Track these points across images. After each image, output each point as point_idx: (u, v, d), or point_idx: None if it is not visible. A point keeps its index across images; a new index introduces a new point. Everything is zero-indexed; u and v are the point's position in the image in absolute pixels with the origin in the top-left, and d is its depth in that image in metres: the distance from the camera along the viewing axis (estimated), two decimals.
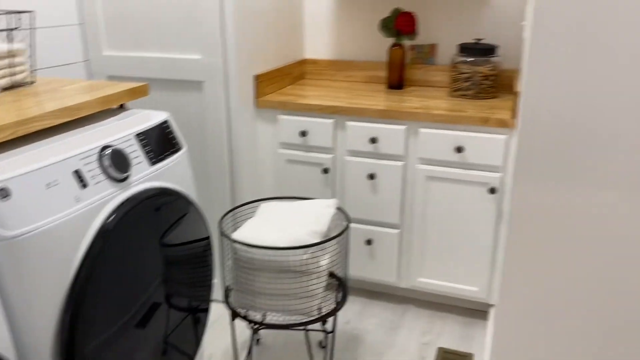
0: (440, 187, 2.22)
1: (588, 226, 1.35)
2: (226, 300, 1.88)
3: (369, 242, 2.39)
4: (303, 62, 2.85)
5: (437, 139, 2.17)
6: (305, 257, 1.72)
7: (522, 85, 1.38)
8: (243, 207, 2.18)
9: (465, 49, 2.37)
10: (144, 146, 1.51)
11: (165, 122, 1.62)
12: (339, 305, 1.88)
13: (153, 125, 1.57)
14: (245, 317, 1.83)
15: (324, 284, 1.82)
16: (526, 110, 1.34)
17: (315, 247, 1.73)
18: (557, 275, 1.41)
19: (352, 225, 2.41)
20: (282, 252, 1.70)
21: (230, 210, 2.02)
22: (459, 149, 2.14)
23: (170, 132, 1.63)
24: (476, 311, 2.45)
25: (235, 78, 2.19)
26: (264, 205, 2.00)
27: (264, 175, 2.50)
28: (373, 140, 2.25)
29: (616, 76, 1.21)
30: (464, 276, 2.30)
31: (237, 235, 1.78)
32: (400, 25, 2.46)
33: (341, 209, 2.01)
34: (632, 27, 1.17)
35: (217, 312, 2.44)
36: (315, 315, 1.80)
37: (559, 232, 1.38)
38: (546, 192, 1.37)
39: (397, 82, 2.59)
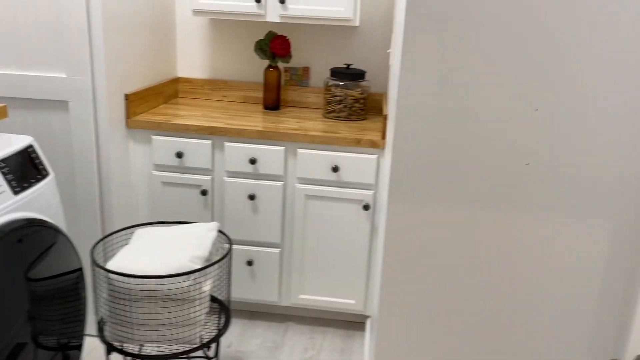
0: (319, 205, 2.29)
1: (451, 238, 1.48)
2: (100, 334, 1.76)
3: (249, 262, 2.39)
4: (176, 81, 2.79)
5: (314, 159, 2.24)
6: (187, 284, 1.67)
7: (391, 109, 1.48)
8: (116, 234, 2.07)
9: (337, 73, 2.48)
10: (5, 174, 1.38)
11: (29, 146, 1.50)
12: (222, 330, 1.86)
13: (15, 151, 1.44)
14: (121, 351, 1.74)
15: (206, 309, 1.79)
16: (397, 133, 1.45)
17: (197, 273, 1.69)
18: (430, 285, 1.53)
19: (234, 246, 2.40)
20: (163, 280, 1.65)
21: (102, 239, 1.91)
22: (335, 169, 2.23)
23: (36, 158, 1.51)
24: (354, 323, 2.55)
25: (105, 97, 2.08)
26: (139, 231, 1.92)
27: (138, 199, 2.40)
28: (252, 161, 2.26)
29: (473, 104, 1.35)
30: (342, 290, 2.39)
31: (112, 264, 1.69)
32: (275, 48, 2.52)
33: (222, 231, 1.99)
34: (489, 61, 1.32)
35: (91, 347, 2.27)
36: (197, 343, 1.76)
37: (428, 245, 1.50)
38: (416, 207, 1.48)
39: (273, 103, 2.64)
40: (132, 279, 1.64)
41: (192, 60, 2.80)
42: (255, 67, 2.77)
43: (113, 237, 2.05)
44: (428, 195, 1.46)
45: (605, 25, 1.25)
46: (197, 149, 2.28)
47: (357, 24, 2.40)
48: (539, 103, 1.31)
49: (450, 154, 1.40)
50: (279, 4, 2.34)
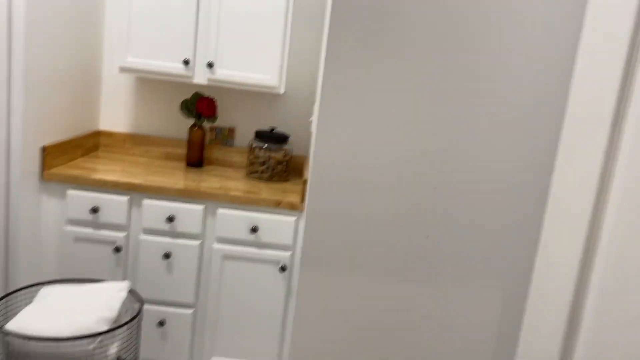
0: (235, 265, 2.30)
1: (359, 305, 1.54)
2: None
3: (161, 323, 2.33)
4: (97, 134, 2.76)
5: (234, 219, 2.27)
6: (91, 347, 1.62)
7: (309, 175, 1.56)
8: (20, 292, 1.97)
9: (261, 135, 2.56)
10: None
11: None
12: None
13: None
14: None
15: None
16: (310, 200, 1.51)
17: (103, 335, 1.64)
18: (337, 350, 1.57)
19: (145, 306, 2.33)
20: (66, 343, 1.58)
21: (4, 297, 1.81)
22: (254, 229, 2.26)
23: None
24: None
25: (19, 149, 2.03)
26: (45, 290, 1.84)
27: (47, 255, 2.30)
28: (170, 219, 2.25)
29: (379, 179, 1.45)
30: (256, 352, 2.37)
31: (11, 325, 1.61)
32: (201, 108, 2.57)
33: (133, 291, 1.94)
34: (393, 142, 1.43)
35: None
36: None
37: (336, 310, 1.55)
38: (326, 273, 1.53)
39: (196, 160, 2.66)
40: (31, 341, 1.56)
41: (115, 114, 2.79)
42: (179, 124, 2.80)
43: (16, 295, 1.95)
44: (338, 261, 1.53)
45: (496, 118, 1.40)
46: (114, 205, 2.25)
47: (282, 91, 2.50)
48: (437, 182, 1.42)
49: (358, 224, 1.48)
50: (206, 68, 2.41)
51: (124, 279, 2.32)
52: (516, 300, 1.49)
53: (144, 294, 2.31)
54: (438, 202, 1.43)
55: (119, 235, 2.27)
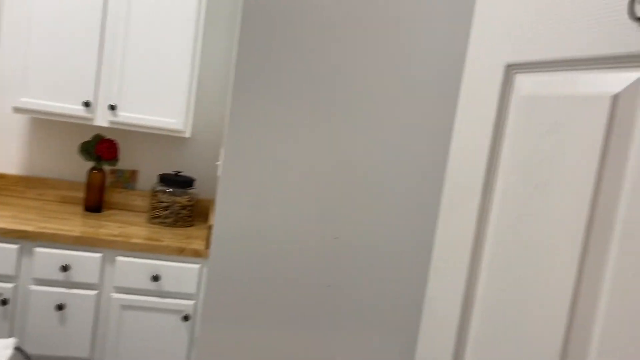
0: (135, 315, 2.21)
1: (262, 357, 1.54)
2: None
3: None
4: None
5: (134, 268, 2.19)
6: None
7: (214, 224, 1.56)
8: None
9: (165, 179, 2.52)
10: None
11: None
12: None
13: None
14: None
15: None
16: (214, 249, 1.51)
17: None
18: None
19: None
20: None
21: None
22: (156, 278, 2.20)
23: None
24: None
25: None
26: None
27: None
28: (65, 268, 2.13)
29: (281, 230, 1.48)
30: None
31: None
32: (101, 151, 2.49)
33: (21, 348, 1.81)
34: (295, 190, 1.47)
35: None
36: None
37: None
38: (229, 324, 1.52)
39: (95, 205, 2.55)
40: None
41: (6, 155, 2.63)
42: (78, 166, 2.68)
43: None
44: (241, 311, 1.52)
45: (389, 175, 1.49)
46: (1, 254, 2.10)
47: (188, 135, 2.49)
48: (338, 231, 1.48)
49: (261, 273, 1.50)
50: (108, 110, 2.35)
51: (10, 335, 2.15)
52: (410, 349, 1.56)
53: (34, 349, 2.15)
54: (339, 251, 1.48)
55: (7, 286, 2.12)
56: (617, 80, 0.61)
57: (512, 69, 0.78)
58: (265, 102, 1.40)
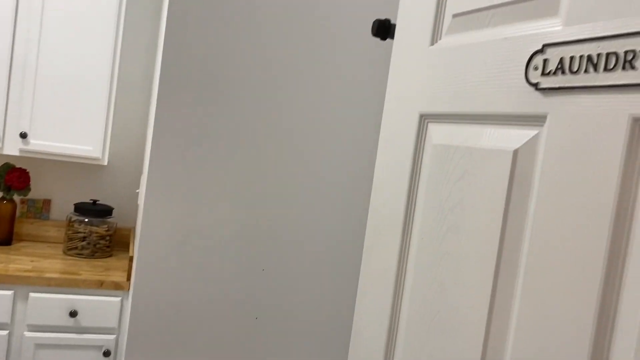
0: (51, 354, 2.10)
1: None
2: None
3: None
4: None
5: (49, 304, 2.08)
6: None
7: (135, 254, 1.52)
8: None
9: (82, 209, 2.42)
10: None
11: None
12: None
13: None
14: None
15: None
16: (137, 281, 1.48)
17: None
18: None
19: None
20: None
21: None
22: (73, 313, 2.10)
23: None
24: None
25: None
26: None
27: None
28: None
29: (205, 260, 1.48)
30: None
31: None
32: (11, 181, 2.36)
33: None
34: (220, 223, 1.48)
35: None
36: None
37: None
38: (156, 358, 1.49)
39: (5, 237, 2.41)
40: None
41: None
42: None
43: None
44: (166, 344, 1.50)
45: (315, 208, 1.53)
46: None
47: (105, 163, 2.42)
48: (265, 263, 1.50)
49: (187, 305, 1.48)
50: (19, 138, 2.24)
51: None
52: None
53: None
54: (266, 283, 1.50)
55: None
56: (517, 136, 0.68)
57: (425, 119, 0.84)
58: (185, 139, 1.40)
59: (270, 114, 1.45)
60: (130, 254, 2.18)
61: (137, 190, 2.61)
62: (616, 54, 0.56)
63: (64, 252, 2.43)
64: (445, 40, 0.82)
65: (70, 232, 2.42)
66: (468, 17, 0.78)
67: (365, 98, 1.52)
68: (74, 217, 2.42)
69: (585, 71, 0.59)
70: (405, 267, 0.87)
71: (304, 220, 1.52)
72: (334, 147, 1.51)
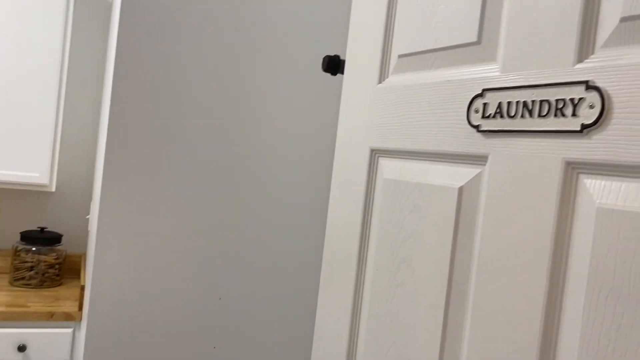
0: None
1: None
2: None
3: None
4: None
5: None
6: None
7: (88, 284, 1.49)
8: None
9: (28, 237, 2.34)
10: None
11: None
12: None
13: None
14: None
15: None
16: (91, 311, 1.44)
17: None
18: None
19: None
20: None
21: None
22: (22, 348, 2.02)
23: None
24: None
25: None
26: None
27: None
28: None
29: (165, 288, 1.46)
30: None
31: None
32: None
33: None
34: (179, 247, 1.47)
35: None
36: None
37: None
38: None
39: None
40: None
41: None
42: None
43: None
44: None
45: (272, 239, 1.54)
46: None
47: (52, 189, 2.35)
48: (221, 292, 1.49)
49: (144, 335, 1.46)
50: None
51: None
52: None
53: None
54: (223, 311, 1.49)
55: None
56: (462, 174, 0.72)
57: (376, 153, 0.87)
58: (138, 163, 1.39)
59: (226, 140, 1.45)
60: (82, 282, 2.12)
61: (88, 217, 2.54)
62: (548, 102, 0.61)
63: (10, 283, 2.34)
64: (392, 79, 0.85)
65: (17, 261, 2.33)
66: (413, 59, 0.81)
67: (321, 128, 1.54)
68: (21, 246, 2.33)
69: (522, 116, 0.63)
70: (361, 299, 0.90)
71: (261, 250, 1.53)
72: (292, 171, 1.53)
